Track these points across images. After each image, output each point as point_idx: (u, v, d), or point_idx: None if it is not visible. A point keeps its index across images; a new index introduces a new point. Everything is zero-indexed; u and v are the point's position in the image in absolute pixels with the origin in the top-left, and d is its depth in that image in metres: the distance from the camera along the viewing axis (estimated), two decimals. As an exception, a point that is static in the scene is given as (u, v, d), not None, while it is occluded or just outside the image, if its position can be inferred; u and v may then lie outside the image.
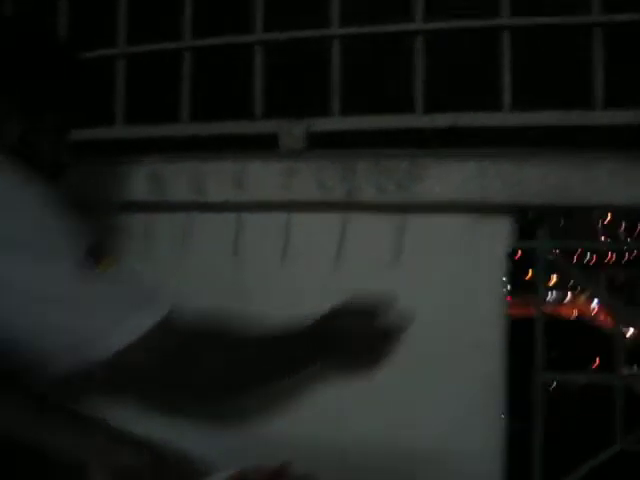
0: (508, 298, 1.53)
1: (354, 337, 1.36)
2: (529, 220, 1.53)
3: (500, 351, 1.51)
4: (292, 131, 1.63)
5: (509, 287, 1.52)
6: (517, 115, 1.55)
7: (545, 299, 1.59)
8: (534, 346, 1.56)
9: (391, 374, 1.52)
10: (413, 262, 1.53)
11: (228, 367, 1.14)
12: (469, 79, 1.62)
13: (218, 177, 1.60)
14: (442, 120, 1.58)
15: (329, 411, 1.54)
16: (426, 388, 1.52)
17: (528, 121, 1.55)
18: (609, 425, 1.53)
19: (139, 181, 1.65)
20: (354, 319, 1.37)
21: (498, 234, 1.50)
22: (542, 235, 1.53)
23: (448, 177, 1.48)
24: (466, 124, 1.57)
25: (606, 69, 1.53)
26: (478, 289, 1.52)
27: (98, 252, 1.01)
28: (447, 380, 1.52)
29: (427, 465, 1.49)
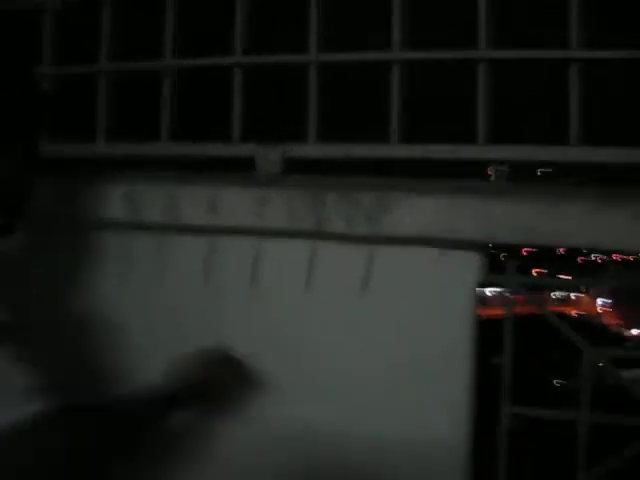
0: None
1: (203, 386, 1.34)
2: (498, 254, 1.53)
3: (468, 385, 1.51)
4: (268, 156, 1.64)
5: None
6: (491, 149, 1.54)
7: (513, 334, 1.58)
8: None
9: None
10: (381, 294, 1.53)
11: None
12: (444, 109, 1.62)
13: (192, 201, 1.61)
14: (417, 151, 1.58)
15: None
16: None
17: (502, 155, 1.55)
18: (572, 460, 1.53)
19: (114, 201, 1.66)
20: (198, 369, 1.35)
21: (467, 267, 1.50)
22: (511, 270, 1.52)
23: (418, 209, 1.48)
24: (440, 156, 1.57)
25: (583, 105, 1.52)
26: (447, 322, 1.52)
27: None
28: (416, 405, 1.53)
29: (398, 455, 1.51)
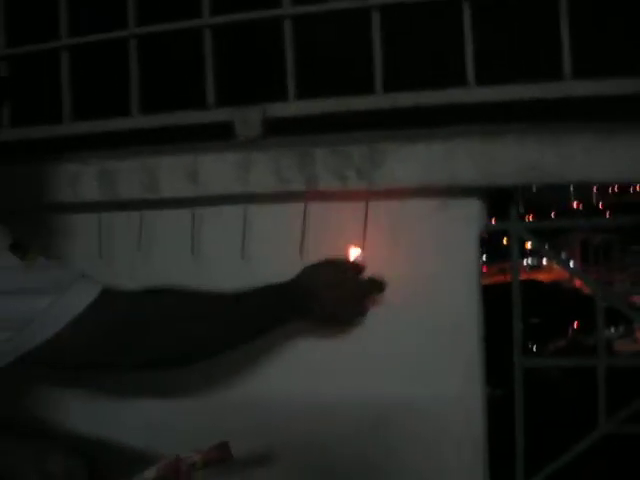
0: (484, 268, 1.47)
1: (329, 290, 1.30)
2: (500, 199, 1.46)
3: (477, 334, 1.44)
4: (247, 118, 1.55)
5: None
6: (483, 90, 1.47)
7: (520, 280, 1.52)
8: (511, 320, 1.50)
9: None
10: (379, 252, 1.45)
11: (192, 333, 1.14)
12: (431, 54, 1.53)
13: (171, 172, 1.51)
14: (404, 100, 1.50)
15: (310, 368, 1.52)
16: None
17: (494, 96, 1.47)
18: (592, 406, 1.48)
19: (89, 180, 1.56)
20: (330, 273, 1.32)
21: (468, 217, 1.43)
22: (514, 215, 1.45)
23: (412, 160, 1.40)
24: (429, 102, 1.48)
25: (573, 38, 1.45)
26: (450, 275, 1.45)
27: (21, 247, 1.02)
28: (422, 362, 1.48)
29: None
